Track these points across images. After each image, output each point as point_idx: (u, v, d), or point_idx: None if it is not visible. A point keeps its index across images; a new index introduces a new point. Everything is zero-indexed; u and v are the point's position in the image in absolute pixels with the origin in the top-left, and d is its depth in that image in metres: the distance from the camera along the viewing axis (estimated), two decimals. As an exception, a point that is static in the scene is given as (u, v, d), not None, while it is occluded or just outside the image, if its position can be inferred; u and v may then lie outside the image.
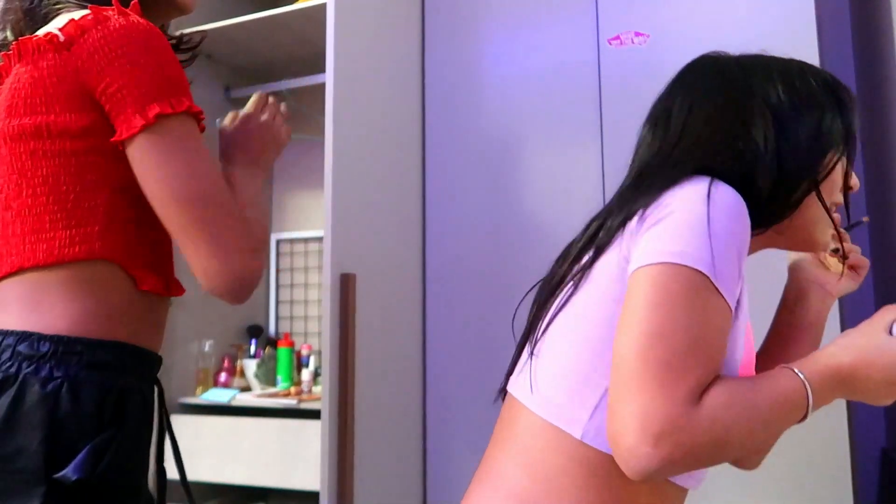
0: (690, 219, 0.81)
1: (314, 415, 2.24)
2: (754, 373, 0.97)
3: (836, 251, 1.09)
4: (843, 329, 1.79)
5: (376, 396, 1.85)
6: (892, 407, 1.97)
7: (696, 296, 0.78)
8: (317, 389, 2.46)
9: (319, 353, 2.74)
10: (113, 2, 1.03)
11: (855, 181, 1.01)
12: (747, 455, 0.96)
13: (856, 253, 1.14)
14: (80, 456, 0.94)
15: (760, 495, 1.79)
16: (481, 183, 2.19)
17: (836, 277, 1.14)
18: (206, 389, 2.53)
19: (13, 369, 0.96)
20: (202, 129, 1.06)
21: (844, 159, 0.99)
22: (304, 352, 2.60)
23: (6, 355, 0.97)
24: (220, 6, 2.64)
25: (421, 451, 2.11)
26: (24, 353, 0.97)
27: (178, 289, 1.16)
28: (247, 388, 2.56)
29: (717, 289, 0.79)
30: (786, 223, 0.96)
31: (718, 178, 0.86)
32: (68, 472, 0.93)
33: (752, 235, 0.90)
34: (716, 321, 0.79)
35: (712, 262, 0.78)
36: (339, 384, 1.67)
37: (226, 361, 2.61)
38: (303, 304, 2.90)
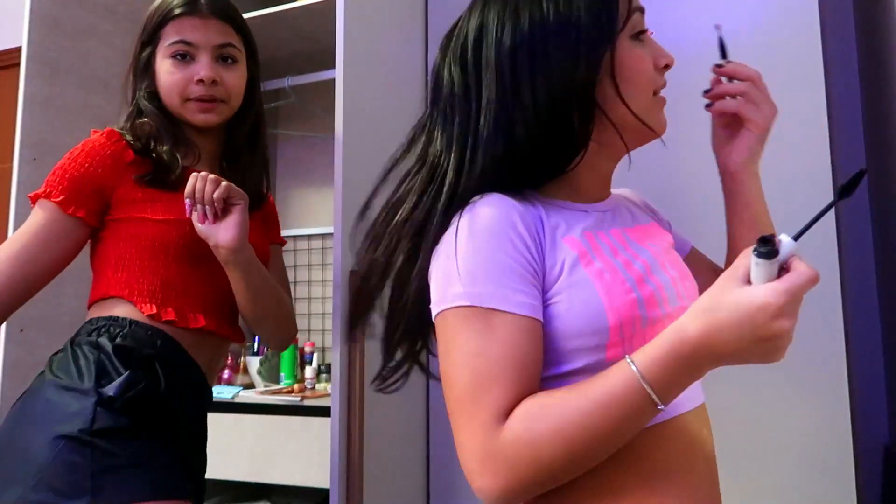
0: (441, 264, 0.85)
1: (318, 412, 2.25)
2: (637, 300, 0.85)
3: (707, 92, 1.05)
4: (844, 323, 1.80)
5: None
6: None
7: (466, 332, 0.80)
8: (320, 386, 2.47)
9: (323, 350, 2.75)
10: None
11: (647, 58, 0.92)
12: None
13: (728, 91, 1.04)
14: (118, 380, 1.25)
15: (763, 492, 1.80)
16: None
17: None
18: (209, 386, 2.53)
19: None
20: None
21: (622, 42, 0.90)
22: (308, 349, 2.61)
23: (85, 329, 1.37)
24: (223, 3, 2.63)
25: (424, 448, 2.11)
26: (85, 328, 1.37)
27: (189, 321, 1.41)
28: (250, 385, 2.56)
29: (488, 308, 0.80)
30: (605, 137, 0.91)
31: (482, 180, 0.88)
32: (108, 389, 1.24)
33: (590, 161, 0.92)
34: (496, 339, 0.79)
35: (469, 293, 0.80)
36: (349, 381, 1.67)
37: (229, 358, 2.61)
38: (306, 302, 2.91)
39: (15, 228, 1.96)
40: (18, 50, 2.10)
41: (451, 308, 0.82)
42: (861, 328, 2.09)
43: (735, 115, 1.03)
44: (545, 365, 0.83)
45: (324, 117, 2.67)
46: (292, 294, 2.91)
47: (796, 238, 0.71)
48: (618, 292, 0.82)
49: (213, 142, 1.54)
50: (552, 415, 0.76)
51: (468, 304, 0.80)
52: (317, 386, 2.46)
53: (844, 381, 1.77)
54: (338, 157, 1.73)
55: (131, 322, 1.33)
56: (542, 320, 0.82)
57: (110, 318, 1.34)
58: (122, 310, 1.35)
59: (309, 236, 2.93)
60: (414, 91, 2.19)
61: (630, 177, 1.11)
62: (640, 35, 0.92)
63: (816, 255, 1.83)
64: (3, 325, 1.92)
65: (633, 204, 1.09)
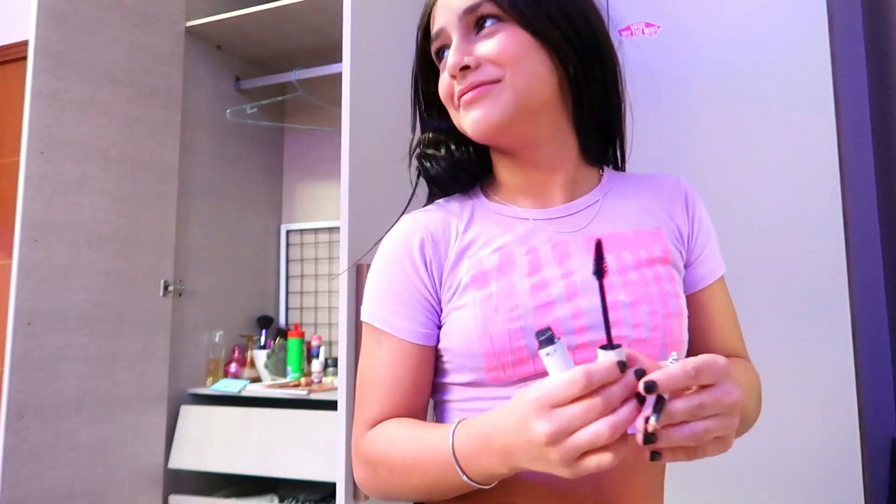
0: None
1: (324, 405, 2.25)
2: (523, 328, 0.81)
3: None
4: (852, 318, 1.80)
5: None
6: (903, 398, 1.98)
7: (366, 344, 0.91)
8: (327, 380, 2.47)
9: (329, 344, 2.75)
10: None
11: (443, 79, 0.92)
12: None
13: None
14: None
15: (770, 485, 1.80)
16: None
17: None
18: (216, 380, 2.54)
19: None
20: None
21: None
22: (315, 342, 2.61)
23: None
24: (229, -4, 2.65)
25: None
26: None
27: None
28: (257, 379, 2.57)
29: (381, 329, 0.88)
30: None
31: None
32: None
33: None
34: (379, 358, 0.88)
35: (367, 311, 0.90)
36: (356, 375, 1.68)
37: (236, 352, 2.61)
38: (313, 295, 2.91)
39: (23, 221, 1.96)
40: (26, 44, 2.10)
41: (363, 322, 0.91)
42: (868, 322, 2.09)
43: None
44: (443, 373, 0.88)
45: (331, 111, 2.67)
46: (299, 287, 2.93)
47: (606, 347, 0.64)
48: (498, 320, 0.81)
49: None
50: (388, 444, 0.83)
51: (367, 320, 0.90)
52: (323, 379, 2.47)
53: (852, 375, 1.77)
54: (344, 151, 1.73)
55: None
56: (427, 343, 0.87)
57: None
58: None
59: (316, 230, 2.93)
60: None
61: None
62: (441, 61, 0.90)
63: (823, 252, 1.83)
64: (11, 318, 1.93)
65: (652, 202, 0.94)
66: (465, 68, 0.84)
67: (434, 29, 0.89)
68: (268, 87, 2.82)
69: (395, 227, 0.93)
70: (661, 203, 0.94)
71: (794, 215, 1.87)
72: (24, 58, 2.13)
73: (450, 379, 0.87)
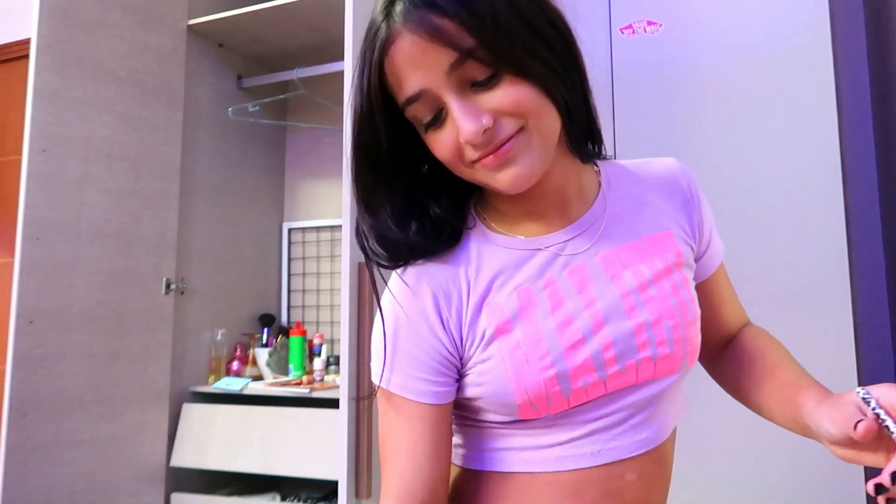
0: (373, 336, 0.87)
1: (326, 403, 2.25)
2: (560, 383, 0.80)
3: None
4: (854, 315, 1.79)
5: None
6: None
7: (382, 409, 0.86)
8: (329, 378, 2.47)
9: (331, 342, 2.75)
10: None
11: (443, 140, 0.82)
12: None
13: None
14: None
15: (770, 484, 1.80)
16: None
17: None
18: (218, 378, 2.54)
19: None
20: None
21: None
22: (317, 341, 2.61)
23: None
24: (231, -6, 2.65)
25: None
26: None
27: None
28: (259, 377, 2.57)
29: (397, 395, 0.83)
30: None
31: None
32: None
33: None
34: (397, 425, 0.84)
35: (381, 375, 0.84)
36: (357, 373, 1.68)
37: (238, 350, 2.62)
38: (315, 293, 2.91)
39: (25, 219, 1.96)
40: (28, 42, 2.10)
41: (376, 384, 0.86)
42: (870, 320, 2.08)
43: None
44: (472, 411, 0.86)
45: (332, 109, 2.67)
46: (301, 285, 2.93)
47: None
48: (530, 370, 0.79)
49: None
50: None
51: (382, 386, 0.84)
52: (325, 378, 2.47)
53: (853, 373, 1.77)
54: (346, 149, 1.73)
55: None
56: (447, 402, 0.83)
57: None
58: None
59: (318, 228, 2.93)
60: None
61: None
62: (429, 125, 0.79)
63: (825, 249, 1.82)
64: (13, 316, 1.94)
65: (657, 196, 0.93)
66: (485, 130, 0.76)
67: (409, 90, 0.77)
68: (270, 85, 2.82)
69: (396, 284, 0.85)
70: (665, 197, 0.93)
71: (795, 211, 1.87)
72: (27, 56, 2.13)
73: (480, 417, 0.85)
